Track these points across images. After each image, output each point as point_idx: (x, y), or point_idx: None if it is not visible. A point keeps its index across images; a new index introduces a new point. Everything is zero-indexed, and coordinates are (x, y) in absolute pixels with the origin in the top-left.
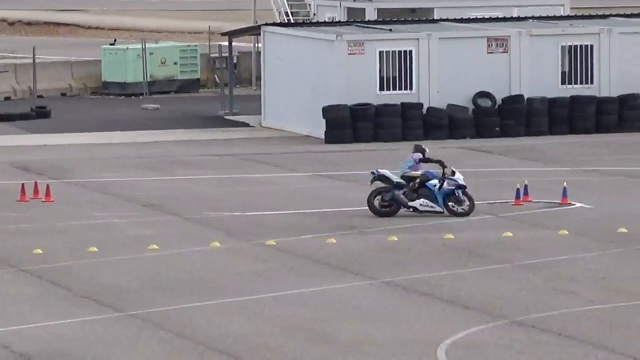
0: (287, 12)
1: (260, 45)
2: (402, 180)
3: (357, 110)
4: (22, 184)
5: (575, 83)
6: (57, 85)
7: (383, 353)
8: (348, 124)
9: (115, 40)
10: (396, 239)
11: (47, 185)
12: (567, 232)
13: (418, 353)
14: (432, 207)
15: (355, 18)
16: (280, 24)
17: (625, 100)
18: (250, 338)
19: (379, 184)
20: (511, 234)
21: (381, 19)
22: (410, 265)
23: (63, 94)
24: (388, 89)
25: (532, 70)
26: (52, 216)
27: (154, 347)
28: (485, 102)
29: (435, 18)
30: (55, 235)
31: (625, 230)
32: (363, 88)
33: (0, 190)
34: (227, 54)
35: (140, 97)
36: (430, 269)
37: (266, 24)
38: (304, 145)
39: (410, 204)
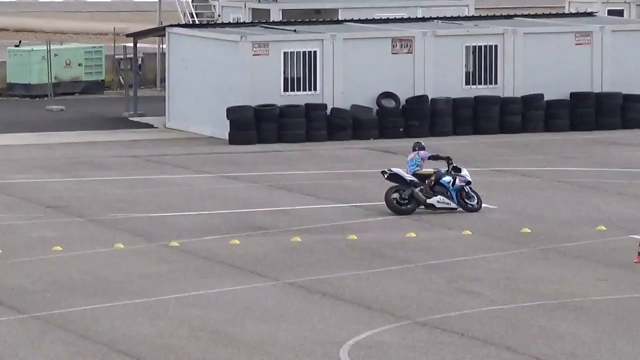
0: (191, 13)
1: (164, 46)
2: (414, 178)
3: (261, 111)
4: None
5: (480, 83)
6: None
7: (286, 354)
8: (252, 125)
9: (20, 41)
10: (299, 240)
11: None
12: (471, 233)
13: (321, 353)
14: (448, 203)
15: (260, 19)
16: (185, 25)
17: (529, 101)
18: (154, 339)
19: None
20: (414, 235)
21: (286, 20)
22: (313, 266)
23: None
24: (292, 90)
25: (436, 70)
26: None
27: (58, 349)
28: (389, 103)
29: (339, 19)
30: None
31: (529, 231)
32: (267, 89)
33: None
34: (131, 55)
35: (45, 98)
36: (334, 269)
37: (171, 25)
38: (208, 147)
39: (428, 201)
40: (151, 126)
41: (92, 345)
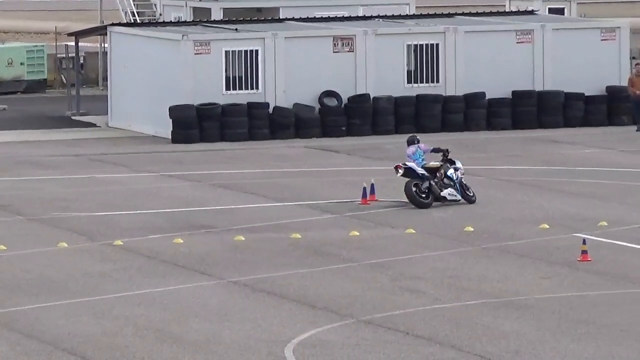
0: (133, 12)
1: (106, 45)
2: (425, 172)
3: (203, 110)
4: None
5: (421, 82)
6: None
7: (231, 352)
8: (194, 124)
9: None
10: (243, 239)
11: None
12: (414, 231)
13: (265, 352)
14: (455, 196)
15: (201, 18)
16: (127, 24)
17: (471, 99)
18: (99, 338)
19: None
20: (358, 233)
21: (227, 19)
22: (257, 264)
23: None
24: (234, 89)
25: (377, 69)
26: None
27: (3, 348)
28: (331, 102)
29: (281, 17)
30: None
31: (472, 229)
32: (209, 88)
33: None
34: (73, 54)
35: None
36: (277, 268)
37: (112, 24)
38: (150, 145)
39: (441, 194)
40: (94, 125)
41: (37, 344)
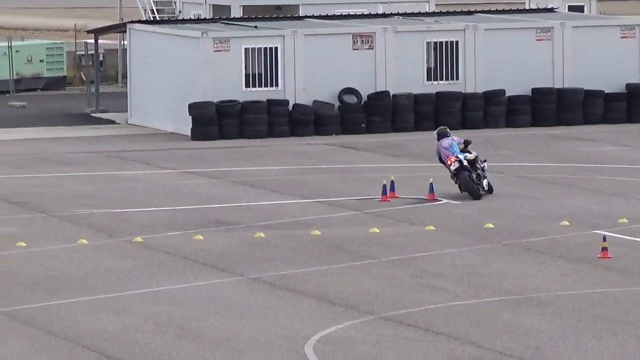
0: (152, 10)
1: (126, 42)
2: (468, 164)
3: (222, 107)
4: None
5: (441, 79)
6: None
7: (251, 349)
8: (214, 121)
9: None
10: (263, 236)
11: None
12: (434, 228)
13: (286, 349)
14: (490, 186)
15: (220, 15)
16: (146, 22)
17: (490, 97)
18: (119, 335)
19: None
20: (378, 230)
21: (246, 16)
22: (277, 261)
23: None
24: (254, 86)
25: (397, 66)
26: None
27: (23, 344)
28: (350, 99)
29: (300, 15)
30: None
31: (492, 226)
32: (229, 85)
33: None
34: (93, 52)
35: (7, 94)
36: (297, 265)
37: (132, 22)
38: (170, 142)
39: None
40: (113, 122)
41: (57, 340)
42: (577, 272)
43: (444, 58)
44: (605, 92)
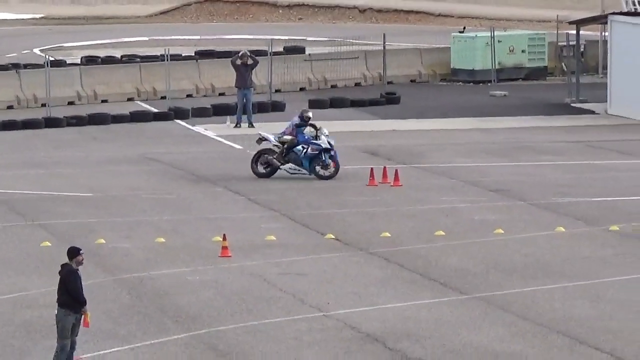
0: (634, 2)
1: (606, 33)
2: (278, 144)
3: None
4: (371, 169)
5: None
6: (407, 72)
7: None
8: None
9: (464, 28)
10: None
11: (396, 170)
12: None
13: None
14: (298, 170)
15: None
16: (628, 13)
17: None
18: (593, 321)
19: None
20: None
21: None
22: None
23: (412, 81)
24: None
25: None
26: (400, 200)
27: (498, 329)
28: None
29: None
30: (402, 219)
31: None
32: None
33: (350, 174)
34: (574, 43)
35: (489, 84)
36: None
37: (613, 13)
38: None
39: (282, 167)
40: (593, 112)
41: (532, 326)
42: None
43: None
44: None
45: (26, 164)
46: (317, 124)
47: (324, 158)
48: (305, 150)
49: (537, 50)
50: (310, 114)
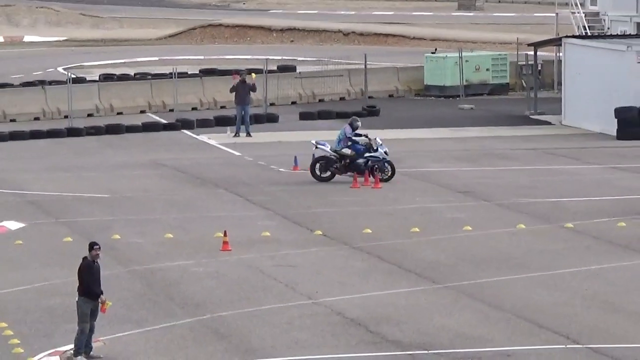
0: (584, 27)
1: (561, 54)
2: (335, 155)
3: None
4: (355, 173)
5: None
6: (385, 88)
7: None
8: (637, 123)
9: (435, 49)
10: None
11: (377, 174)
12: None
13: None
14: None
15: None
16: (579, 37)
17: None
18: (551, 307)
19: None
20: None
21: None
22: None
23: (390, 95)
24: None
25: None
26: (380, 201)
27: (467, 315)
28: None
29: None
30: (382, 217)
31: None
32: None
33: (336, 178)
34: (532, 62)
35: (457, 98)
36: None
37: (567, 37)
38: (597, 141)
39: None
40: (549, 123)
41: (497, 312)
42: None
43: None
44: None
45: (51, 168)
46: (365, 132)
47: (383, 166)
48: (366, 162)
49: (500, 68)
50: (359, 123)
